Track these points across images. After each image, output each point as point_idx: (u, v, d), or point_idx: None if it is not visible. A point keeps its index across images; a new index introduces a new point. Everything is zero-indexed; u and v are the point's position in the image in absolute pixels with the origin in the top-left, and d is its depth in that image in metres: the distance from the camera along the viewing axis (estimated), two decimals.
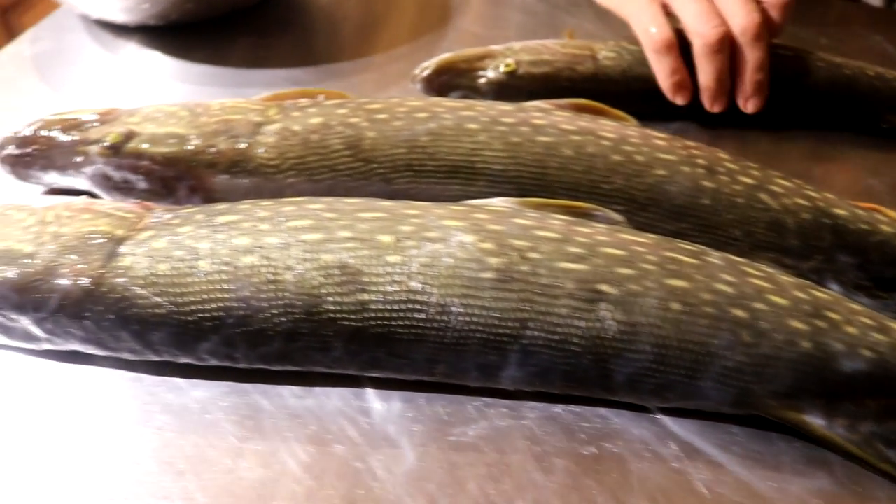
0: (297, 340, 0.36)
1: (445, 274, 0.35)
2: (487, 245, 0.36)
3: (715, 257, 0.39)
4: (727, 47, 0.53)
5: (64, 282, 0.36)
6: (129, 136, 0.44)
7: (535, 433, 0.37)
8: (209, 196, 0.44)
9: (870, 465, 0.36)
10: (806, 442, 0.37)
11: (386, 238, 0.36)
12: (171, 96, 0.60)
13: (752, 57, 0.53)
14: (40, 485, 0.35)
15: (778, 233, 0.44)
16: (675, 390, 0.37)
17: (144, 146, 0.44)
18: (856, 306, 0.39)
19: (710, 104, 0.55)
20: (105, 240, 0.37)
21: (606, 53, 0.57)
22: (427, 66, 0.57)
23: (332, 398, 0.38)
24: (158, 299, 0.36)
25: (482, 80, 0.56)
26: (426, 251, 0.36)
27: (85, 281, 0.36)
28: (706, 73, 0.53)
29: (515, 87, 0.56)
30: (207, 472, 0.35)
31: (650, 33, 0.54)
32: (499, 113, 0.45)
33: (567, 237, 0.37)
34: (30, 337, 0.38)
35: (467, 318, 0.35)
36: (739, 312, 0.36)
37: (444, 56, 0.57)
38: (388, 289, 0.35)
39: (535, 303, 0.35)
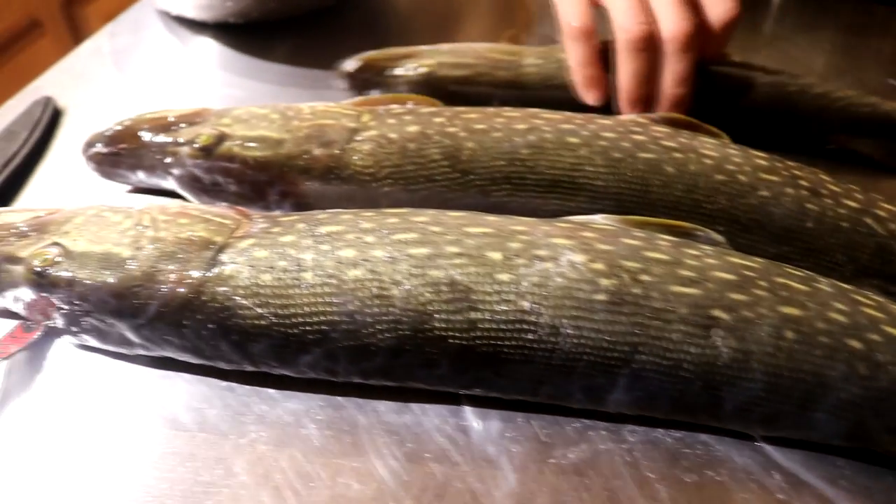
0: (401, 357, 0.35)
1: (557, 294, 0.34)
2: (598, 266, 0.35)
3: (824, 284, 0.37)
4: (651, 49, 0.48)
5: (164, 289, 0.35)
6: (221, 138, 0.43)
7: (637, 458, 0.36)
8: (300, 202, 0.44)
9: None
10: None
11: (495, 255, 0.35)
12: (250, 95, 0.59)
13: (673, 68, 0.49)
14: (132, 493, 0.34)
15: (883, 259, 0.42)
16: (786, 420, 0.35)
17: (236, 149, 0.43)
18: None
19: (624, 107, 0.51)
20: (204, 247, 0.37)
21: (532, 60, 0.55)
22: (350, 63, 0.56)
23: (429, 415, 0.37)
24: (261, 310, 0.35)
25: (400, 80, 0.55)
26: (536, 270, 0.35)
27: (185, 289, 0.35)
28: (623, 72, 0.50)
29: (433, 88, 0.54)
30: (305, 488, 0.34)
31: (568, 21, 0.51)
32: (599, 127, 0.44)
33: (677, 259, 0.36)
34: (125, 342, 0.37)
35: (578, 341, 0.34)
36: (855, 343, 0.35)
37: (369, 53, 0.56)
38: (499, 308, 0.34)
39: (648, 327, 0.34)
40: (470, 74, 0.54)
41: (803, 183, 0.43)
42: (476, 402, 0.38)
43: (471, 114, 0.45)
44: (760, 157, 0.44)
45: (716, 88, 0.53)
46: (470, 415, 0.37)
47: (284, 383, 0.38)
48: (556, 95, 0.53)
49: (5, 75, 0.90)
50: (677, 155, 0.42)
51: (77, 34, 0.94)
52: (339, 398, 0.38)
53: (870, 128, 0.54)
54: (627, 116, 0.46)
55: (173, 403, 0.38)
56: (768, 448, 0.37)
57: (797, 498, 0.35)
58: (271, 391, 0.38)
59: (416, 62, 0.55)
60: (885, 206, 0.44)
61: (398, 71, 0.55)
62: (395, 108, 0.46)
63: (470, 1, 0.74)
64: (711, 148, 0.44)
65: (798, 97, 0.54)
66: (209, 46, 0.65)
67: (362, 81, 0.56)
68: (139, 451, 0.35)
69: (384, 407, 0.38)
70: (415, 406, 0.38)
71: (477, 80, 0.54)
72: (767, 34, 0.72)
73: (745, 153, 0.44)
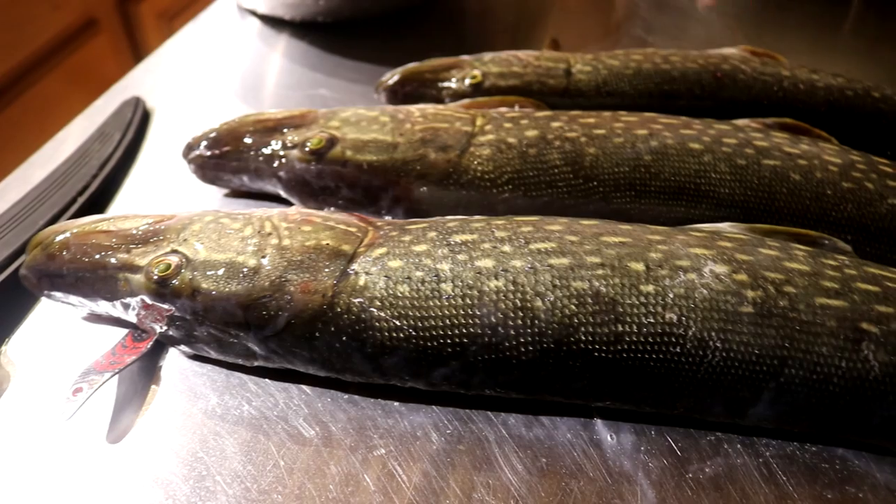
0: (542, 370, 0.34)
1: (703, 307, 0.33)
2: (742, 277, 0.34)
3: None
4: None
5: (294, 300, 0.35)
6: (332, 141, 0.43)
7: (775, 473, 0.35)
8: (413, 207, 0.43)
9: None
10: None
11: (638, 266, 0.34)
12: (339, 95, 0.59)
13: None
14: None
15: None
16: None
17: (349, 153, 0.43)
18: None
19: None
20: (334, 255, 0.36)
21: (581, 67, 0.54)
22: (392, 75, 0.54)
23: (560, 428, 0.37)
24: (398, 322, 0.34)
25: (447, 92, 0.53)
26: (681, 281, 0.34)
27: (317, 300, 0.35)
28: None
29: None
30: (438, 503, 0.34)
31: None
32: (718, 133, 0.43)
33: (818, 271, 0.35)
34: (247, 354, 0.37)
35: (726, 354, 0.33)
36: None
37: (410, 65, 0.55)
38: (645, 320, 0.33)
39: (796, 340, 0.33)
40: (519, 84, 0.52)
41: None
42: (607, 414, 0.37)
43: (588, 118, 0.44)
44: (884, 164, 0.43)
45: (784, 91, 0.52)
46: (602, 428, 0.37)
47: (409, 396, 0.37)
48: (607, 102, 0.52)
49: (64, 72, 0.89)
50: (802, 162, 0.42)
51: (132, 31, 0.93)
52: (467, 411, 0.37)
53: None
54: (743, 121, 0.45)
55: (296, 418, 0.37)
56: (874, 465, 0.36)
57: None
58: (395, 404, 0.37)
59: (462, 73, 0.53)
60: None
61: (446, 83, 0.53)
62: (507, 111, 0.45)
63: (540, 5, 0.73)
64: (834, 154, 0.43)
65: (858, 102, 0.53)
66: (294, 45, 0.64)
67: (404, 95, 0.54)
68: (264, 467, 0.35)
69: (513, 420, 0.37)
70: (545, 419, 0.37)
71: (527, 90, 0.52)
72: (847, 34, 0.71)
73: (868, 159, 0.43)
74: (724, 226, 0.39)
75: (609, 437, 0.36)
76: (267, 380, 0.38)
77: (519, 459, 0.35)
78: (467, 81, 0.52)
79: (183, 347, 0.39)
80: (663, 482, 0.35)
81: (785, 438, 0.37)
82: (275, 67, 0.62)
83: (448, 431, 0.36)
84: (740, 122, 0.46)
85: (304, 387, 0.38)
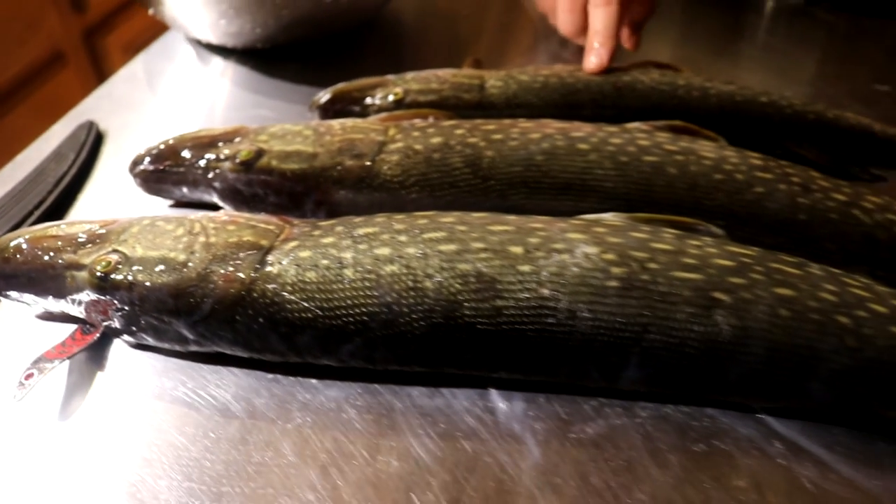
0: (434, 343, 0.39)
1: (573, 282, 0.39)
2: (610, 256, 0.40)
3: (815, 268, 0.42)
4: None
5: (217, 288, 0.40)
6: (260, 153, 0.48)
7: (649, 431, 0.41)
8: (333, 210, 0.48)
9: None
10: None
11: (517, 249, 0.40)
12: (278, 115, 0.64)
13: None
14: (191, 475, 0.38)
15: (871, 246, 0.47)
16: (784, 391, 0.40)
17: (274, 163, 0.48)
18: None
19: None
20: (253, 250, 0.41)
21: (494, 82, 0.59)
22: (323, 95, 0.60)
23: (458, 398, 0.42)
24: (307, 304, 0.39)
25: (372, 108, 0.59)
26: (554, 261, 0.39)
27: (237, 287, 0.40)
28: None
29: None
30: (348, 466, 0.39)
31: None
32: (606, 134, 0.49)
33: (680, 249, 0.41)
34: (180, 339, 0.42)
35: (593, 323, 0.38)
36: (843, 319, 0.39)
37: (340, 85, 0.60)
38: (521, 296, 0.39)
39: (656, 309, 0.39)
40: (437, 99, 0.58)
41: (795, 179, 0.48)
42: (501, 384, 0.42)
43: (489, 125, 0.50)
44: (755, 157, 0.49)
45: (679, 99, 0.58)
46: (496, 397, 0.42)
47: (325, 373, 0.43)
48: (517, 113, 0.57)
49: (32, 104, 0.95)
50: (679, 157, 0.47)
51: (98, 64, 0.99)
52: (376, 385, 0.42)
53: (815, 134, 0.59)
54: (635, 124, 0.51)
55: (224, 394, 0.42)
56: (769, 419, 0.41)
57: (797, 463, 0.40)
58: (313, 381, 0.43)
59: (385, 91, 0.59)
60: (872, 198, 0.48)
61: (370, 100, 0.59)
62: (419, 122, 0.51)
63: (476, 24, 0.79)
64: (710, 150, 0.48)
65: (746, 107, 0.59)
66: (238, 70, 0.70)
67: (334, 112, 0.59)
68: (196, 439, 0.40)
69: (417, 392, 0.42)
70: (445, 391, 0.42)
71: (444, 104, 0.58)
72: (759, 44, 0.77)
73: (741, 154, 0.49)
74: (608, 215, 0.44)
75: (502, 405, 0.42)
76: (200, 364, 0.44)
77: (420, 425, 0.41)
78: (390, 98, 0.58)
79: (126, 337, 0.44)
80: (548, 441, 0.40)
81: (661, 401, 0.42)
82: (220, 91, 0.68)
83: (358, 403, 0.42)
84: (633, 125, 0.52)
85: (232, 369, 0.43)
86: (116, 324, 0.43)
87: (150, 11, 0.65)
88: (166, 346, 0.43)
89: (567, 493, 0.37)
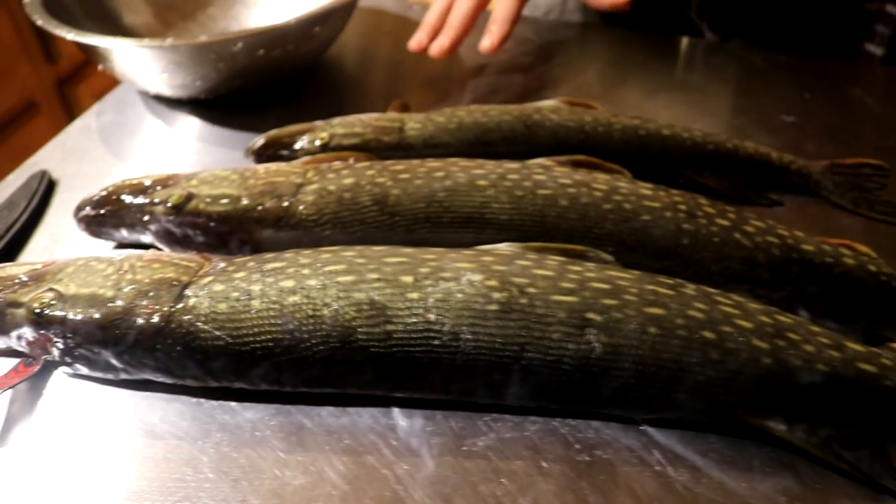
0: (333, 366, 0.44)
1: (457, 307, 0.43)
2: (492, 282, 0.44)
3: (690, 288, 0.46)
4: None
5: (140, 320, 0.45)
6: (189, 197, 0.54)
7: (536, 443, 0.45)
8: (257, 247, 0.53)
9: (829, 465, 0.43)
10: (775, 447, 0.44)
11: (407, 278, 0.45)
12: (218, 160, 0.69)
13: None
14: (117, 492, 0.43)
15: (751, 267, 0.51)
16: (655, 402, 0.44)
17: (202, 206, 0.53)
18: (815, 328, 0.46)
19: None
20: (173, 285, 0.46)
21: (412, 125, 0.64)
22: (257, 141, 0.65)
23: (363, 416, 0.46)
24: (219, 333, 0.44)
25: (301, 152, 0.64)
26: (441, 288, 0.44)
27: (157, 319, 0.45)
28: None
29: None
30: (258, 480, 0.43)
31: None
32: (505, 171, 0.54)
33: (560, 274, 0.45)
34: (110, 368, 0.47)
35: (475, 343, 0.43)
36: (708, 334, 0.44)
37: (272, 132, 0.66)
38: (409, 320, 0.43)
39: (532, 329, 0.43)
40: (359, 142, 0.63)
41: (681, 207, 0.52)
42: (403, 403, 0.47)
43: (398, 165, 0.55)
44: (645, 188, 0.54)
45: (585, 134, 0.64)
46: (397, 415, 0.46)
47: (244, 397, 0.47)
48: (434, 153, 0.61)
49: (5, 152, 1.01)
50: (571, 190, 0.52)
51: (70, 112, 1.05)
52: (290, 406, 0.47)
53: (715, 164, 0.64)
54: (534, 161, 0.56)
55: (152, 418, 0.47)
56: (650, 430, 0.46)
57: (672, 469, 0.44)
58: (233, 404, 0.47)
59: (312, 136, 0.64)
60: (755, 223, 0.53)
61: (298, 145, 0.64)
62: (337, 164, 0.56)
63: (409, 72, 0.85)
64: (603, 182, 0.53)
65: (649, 139, 0.64)
66: (184, 120, 0.76)
67: (267, 157, 0.65)
68: (124, 458, 0.44)
69: (326, 412, 0.47)
70: (352, 410, 0.47)
71: (366, 146, 0.63)
72: (677, 81, 0.83)
73: (633, 185, 0.54)
74: (502, 246, 0.49)
75: (402, 422, 0.46)
76: (132, 390, 0.48)
77: (326, 442, 0.45)
78: (317, 142, 0.63)
79: (64, 368, 0.49)
80: (442, 455, 0.44)
81: (549, 416, 0.46)
82: (167, 140, 0.73)
83: (272, 423, 0.46)
84: (537, 160, 0.57)
85: (160, 394, 0.48)
86: (55, 355, 0.48)
87: (100, 67, 0.71)
88: (99, 374, 0.48)
89: (455, 502, 0.42)
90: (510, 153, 0.60)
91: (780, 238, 0.52)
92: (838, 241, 0.55)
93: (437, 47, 0.78)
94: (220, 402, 0.47)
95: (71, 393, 0.49)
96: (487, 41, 0.77)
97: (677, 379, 0.43)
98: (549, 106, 0.65)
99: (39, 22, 0.66)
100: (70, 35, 0.64)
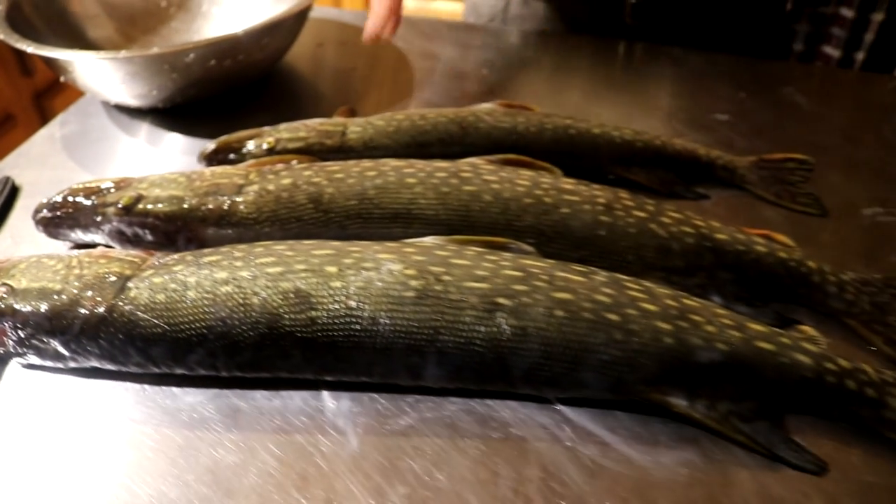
0: (263, 350, 0.48)
1: (376, 294, 0.47)
2: (410, 271, 0.48)
3: (601, 275, 0.50)
4: None
5: (84, 310, 0.49)
6: (138, 198, 0.58)
7: (455, 422, 0.49)
8: (202, 244, 0.57)
9: (728, 438, 0.47)
10: (681, 423, 0.48)
11: (332, 269, 0.49)
12: (176, 165, 0.74)
13: None
14: (63, 469, 0.47)
15: (665, 255, 0.55)
16: (563, 381, 0.48)
17: (150, 206, 0.58)
18: (721, 311, 0.50)
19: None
20: (116, 278, 0.51)
21: (353, 128, 0.69)
22: (209, 146, 0.70)
23: (294, 399, 0.50)
24: (157, 321, 0.48)
25: (249, 156, 0.69)
26: (362, 277, 0.48)
27: (101, 309, 0.49)
28: None
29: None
30: (194, 458, 0.47)
31: None
32: (434, 169, 0.58)
33: (476, 263, 0.49)
34: (59, 356, 0.51)
35: (392, 328, 0.47)
36: (613, 316, 0.48)
37: (223, 137, 0.70)
38: (332, 307, 0.47)
39: (446, 314, 0.47)
40: (303, 146, 0.68)
41: (600, 200, 0.56)
42: (332, 387, 0.51)
43: (334, 167, 0.59)
44: (567, 183, 0.58)
45: (518, 134, 0.68)
46: (326, 397, 0.51)
47: (184, 383, 0.51)
48: (374, 155, 0.66)
49: None
50: (495, 186, 0.56)
51: (46, 123, 1.10)
52: (226, 391, 0.51)
53: (644, 160, 0.69)
54: (471, 159, 0.61)
55: (99, 403, 0.51)
56: (563, 409, 0.50)
57: (581, 444, 0.48)
58: (174, 389, 0.51)
59: (259, 140, 0.69)
60: (672, 214, 0.57)
61: (246, 149, 0.69)
62: (279, 166, 0.61)
63: (360, 80, 0.90)
64: (527, 179, 0.57)
65: (579, 139, 0.68)
66: (143, 128, 0.80)
67: (218, 161, 0.69)
68: (70, 441, 0.48)
69: (260, 395, 0.51)
70: (284, 393, 0.51)
71: (310, 150, 0.67)
72: (617, 83, 0.88)
73: (556, 180, 0.58)
74: (428, 239, 0.53)
75: (331, 404, 0.50)
76: (81, 378, 0.52)
77: (258, 421, 0.49)
78: (263, 146, 0.68)
79: (18, 359, 0.53)
80: (366, 433, 0.48)
81: (469, 397, 0.50)
82: (126, 147, 0.78)
83: (210, 406, 0.50)
84: (468, 160, 0.61)
85: (107, 381, 0.52)
86: (9, 346, 0.52)
87: (62, 78, 0.75)
88: (49, 363, 0.52)
89: (374, 476, 0.46)
90: (446, 154, 0.64)
91: (695, 228, 0.56)
92: (759, 231, 0.59)
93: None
94: (163, 387, 0.52)
95: (25, 382, 0.53)
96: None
97: (583, 358, 0.47)
98: (484, 109, 0.70)
99: (2, 36, 0.70)
100: (30, 48, 0.68)
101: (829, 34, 1.32)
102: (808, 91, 0.83)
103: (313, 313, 0.48)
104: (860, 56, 1.35)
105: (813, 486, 0.46)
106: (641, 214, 0.56)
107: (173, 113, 0.82)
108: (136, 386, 0.52)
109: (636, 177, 0.67)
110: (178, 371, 0.51)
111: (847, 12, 1.27)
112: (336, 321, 0.47)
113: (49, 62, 0.72)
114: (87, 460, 0.47)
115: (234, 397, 0.51)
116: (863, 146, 0.74)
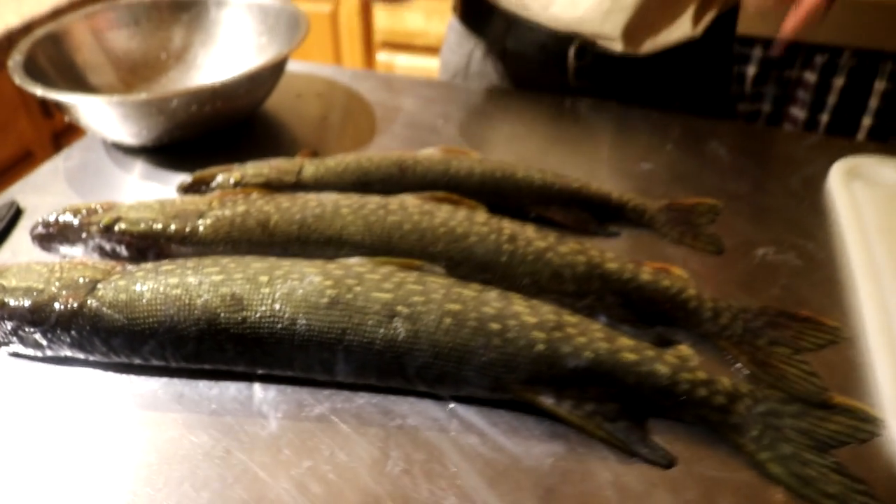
0: (203, 343, 0.60)
1: (297, 299, 0.59)
2: (328, 282, 0.60)
3: (494, 292, 0.61)
4: None
5: (60, 306, 0.61)
6: (117, 219, 0.71)
7: (360, 412, 0.60)
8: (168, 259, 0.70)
9: (592, 434, 0.57)
10: (554, 422, 0.58)
11: (264, 278, 0.60)
12: (159, 195, 0.84)
13: None
14: (36, 444, 0.58)
15: (558, 280, 0.66)
16: (450, 378, 0.58)
17: (126, 227, 0.70)
18: (596, 326, 0.60)
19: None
20: (89, 280, 0.63)
21: (308, 167, 0.82)
22: (186, 179, 0.83)
23: (230, 388, 0.62)
24: (118, 316, 0.60)
25: (219, 187, 0.81)
26: (288, 285, 0.60)
27: (74, 304, 0.61)
28: None
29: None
30: (145, 434, 0.58)
31: None
32: (366, 202, 0.70)
33: (385, 278, 0.61)
34: (38, 345, 0.63)
35: (308, 327, 0.58)
36: (494, 325, 0.58)
37: (198, 172, 0.83)
38: (260, 308, 0.59)
39: (352, 318, 0.58)
40: (264, 181, 0.80)
41: (506, 232, 0.68)
42: (263, 379, 0.62)
43: (282, 198, 0.71)
44: (481, 217, 0.69)
45: (450, 176, 0.80)
46: (258, 388, 0.62)
47: (142, 372, 0.63)
48: (324, 191, 0.78)
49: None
50: (416, 217, 0.68)
51: None
52: (175, 379, 0.62)
53: (561, 200, 0.80)
54: (404, 196, 0.72)
55: (70, 388, 0.62)
56: (455, 405, 0.60)
57: (464, 434, 0.58)
58: (133, 377, 0.63)
59: (228, 175, 0.81)
60: (571, 245, 0.68)
61: (216, 182, 0.82)
62: (238, 197, 0.73)
63: (332, 127, 1.03)
64: (444, 212, 0.69)
65: (504, 181, 0.80)
66: (134, 163, 0.94)
67: (193, 191, 0.82)
68: (40, 422, 0.60)
69: (203, 384, 0.62)
70: (222, 383, 0.62)
71: (269, 185, 0.80)
72: (563, 135, 1.00)
73: (471, 214, 0.69)
74: (353, 259, 0.65)
75: (259, 393, 0.61)
76: (56, 366, 0.64)
77: (197, 405, 0.60)
78: (231, 180, 0.80)
79: (4, 348, 0.65)
80: (285, 417, 0.59)
81: (378, 392, 0.61)
82: (119, 179, 0.91)
83: (160, 391, 0.62)
84: (400, 196, 0.73)
85: (79, 368, 0.64)
86: None
87: (66, 119, 0.89)
88: (31, 351, 0.64)
89: (285, 451, 0.57)
90: (386, 192, 0.75)
91: (588, 258, 0.67)
92: (659, 265, 0.70)
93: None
94: (124, 375, 0.63)
95: (7, 369, 0.65)
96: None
97: (466, 359, 0.58)
98: (425, 153, 0.82)
99: (17, 81, 0.85)
100: (39, 91, 0.82)
101: (794, 97, 1.44)
102: (731, 145, 0.94)
103: (245, 313, 0.59)
104: (824, 118, 1.46)
105: (661, 477, 0.55)
106: (541, 245, 0.67)
107: (162, 151, 0.95)
108: (101, 373, 0.64)
109: (554, 215, 0.79)
110: (136, 361, 0.62)
111: (810, 76, 1.39)
112: (262, 320, 0.59)
113: (57, 104, 0.86)
114: (55, 434, 0.59)
115: (180, 385, 0.62)
116: (769, 194, 0.85)
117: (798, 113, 1.42)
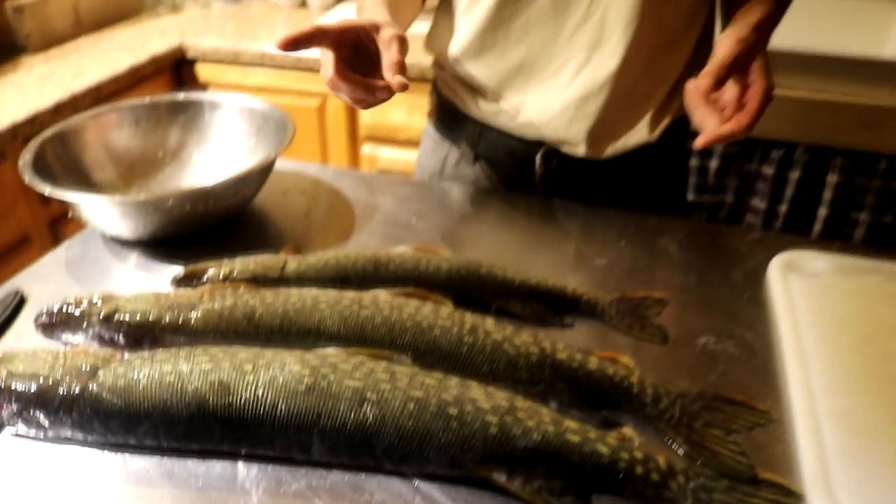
0: (192, 425, 0.68)
1: (277, 386, 0.68)
2: (305, 371, 0.69)
3: (454, 379, 0.71)
4: None
5: (63, 390, 0.70)
6: (116, 310, 0.80)
7: (334, 488, 0.68)
8: (165, 348, 0.79)
9: None
10: (509, 497, 0.67)
11: (248, 366, 0.70)
12: (154, 286, 0.95)
13: None
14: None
15: (513, 368, 0.75)
16: (413, 457, 0.67)
17: (123, 317, 0.79)
18: (545, 411, 0.69)
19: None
20: (90, 367, 0.72)
21: (291, 263, 0.91)
22: (180, 272, 0.93)
23: (216, 466, 0.70)
24: (116, 400, 0.69)
25: (209, 280, 0.90)
26: (269, 374, 0.69)
27: (76, 389, 0.70)
28: None
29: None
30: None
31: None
32: (341, 297, 0.80)
33: (357, 367, 0.70)
34: (40, 426, 0.71)
35: (288, 412, 0.67)
36: (453, 410, 0.67)
37: (190, 266, 0.93)
38: (244, 394, 0.68)
39: (327, 403, 0.67)
40: (251, 276, 0.90)
41: (467, 325, 0.77)
42: (246, 458, 0.70)
43: (266, 292, 0.81)
44: (445, 311, 0.79)
45: (419, 272, 0.90)
46: (241, 466, 0.70)
47: (135, 451, 0.71)
48: (304, 286, 0.87)
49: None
50: (385, 311, 0.78)
51: (57, 245, 1.36)
52: (165, 458, 0.71)
53: (520, 295, 0.90)
54: (377, 290, 0.82)
55: (67, 465, 0.71)
56: (419, 482, 0.69)
57: None
58: (127, 455, 0.71)
59: (217, 270, 0.91)
60: (525, 338, 0.77)
61: (207, 276, 0.91)
62: (227, 291, 0.83)
63: (316, 224, 1.13)
64: (413, 307, 0.79)
65: (468, 276, 0.90)
66: (131, 256, 1.04)
67: (186, 284, 0.92)
68: (45, 496, 0.68)
69: (191, 462, 0.70)
70: (209, 462, 0.70)
71: (254, 279, 0.89)
72: (528, 232, 1.11)
73: (436, 308, 0.79)
74: (329, 349, 0.74)
75: (243, 471, 0.70)
76: (56, 445, 0.72)
77: (186, 482, 0.68)
78: (220, 275, 0.90)
79: (9, 428, 0.74)
80: (265, 493, 0.68)
81: (348, 470, 0.69)
82: (117, 270, 1.00)
83: (152, 469, 0.70)
84: (374, 291, 0.82)
85: (77, 447, 0.72)
86: (5, 418, 0.72)
87: (70, 214, 0.99)
88: (33, 432, 0.72)
89: None
90: (362, 287, 0.85)
91: (541, 348, 0.77)
92: (607, 354, 0.79)
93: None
94: (119, 454, 0.71)
95: (12, 448, 0.73)
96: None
97: (427, 441, 0.67)
98: (398, 251, 0.92)
99: (27, 179, 0.95)
100: (47, 191, 0.93)
101: (754, 189, 1.56)
102: (680, 240, 1.05)
103: (230, 398, 0.68)
104: (783, 208, 1.58)
105: None
106: (498, 337, 0.77)
107: (157, 245, 1.05)
108: (97, 452, 0.72)
109: (514, 308, 0.89)
110: (131, 441, 0.71)
111: (768, 170, 1.51)
112: (246, 405, 0.68)
113: (61, 201, 0.96)
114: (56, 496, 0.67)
115: (170, 463, 0.71)
116: (714, 287, 0.95)
117: (759, 203, 1.53)
